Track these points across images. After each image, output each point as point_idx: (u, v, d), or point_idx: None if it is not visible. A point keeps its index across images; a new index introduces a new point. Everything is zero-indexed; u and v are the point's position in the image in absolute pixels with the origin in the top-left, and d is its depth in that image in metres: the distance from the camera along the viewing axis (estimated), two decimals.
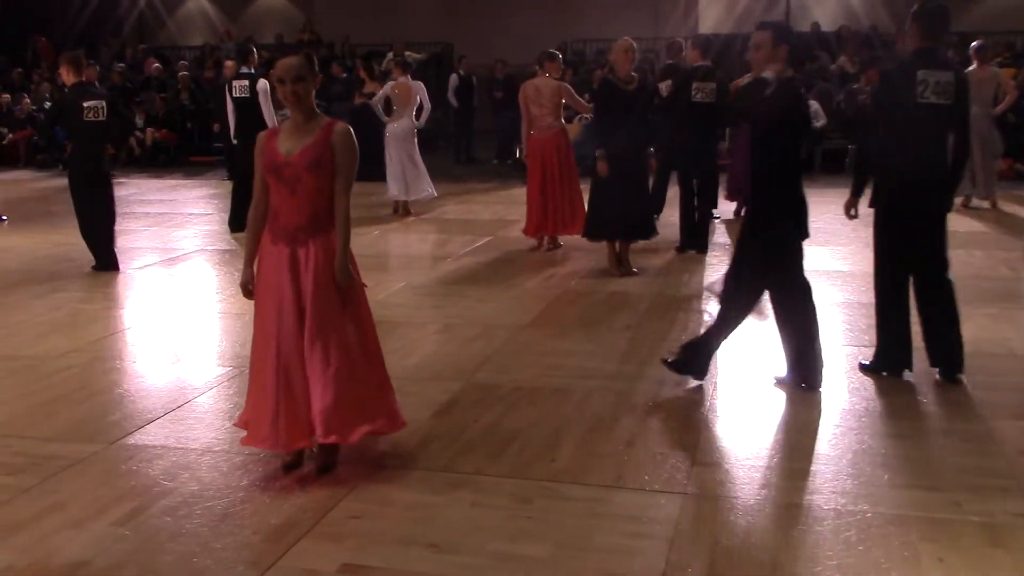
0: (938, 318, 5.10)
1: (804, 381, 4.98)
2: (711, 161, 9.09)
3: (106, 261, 8.31)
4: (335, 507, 3.72)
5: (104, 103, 8.08)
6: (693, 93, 8.47)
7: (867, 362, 5.27)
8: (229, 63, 15.26)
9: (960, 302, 6.74)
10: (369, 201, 11.43)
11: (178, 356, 5.84)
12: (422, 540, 3.45)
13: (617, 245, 7.91)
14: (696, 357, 5.06)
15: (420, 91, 11.18)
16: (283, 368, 3.91)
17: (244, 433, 4.09)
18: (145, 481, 3.98)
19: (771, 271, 4.96)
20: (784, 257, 4.95)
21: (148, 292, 7.65)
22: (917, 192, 4.95)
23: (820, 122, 14.79)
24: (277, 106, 9.71)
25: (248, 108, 9.99)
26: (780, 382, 5.05)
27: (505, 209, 11.25)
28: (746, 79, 4.89)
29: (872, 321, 5.35)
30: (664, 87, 8.90)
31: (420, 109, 11.20)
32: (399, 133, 11.13)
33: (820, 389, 4.93)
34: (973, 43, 11.47)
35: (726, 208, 10.87)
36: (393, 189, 11.23)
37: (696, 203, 8.81)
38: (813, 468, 4.04)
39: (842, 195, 5.38)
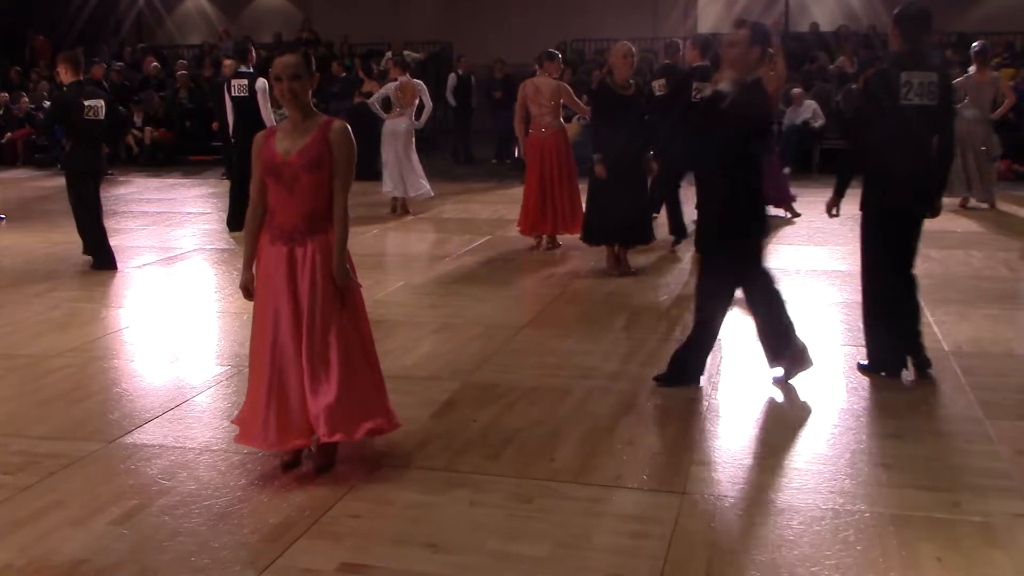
0: (912, 315, 5.18)
1: (795, 367, 5.02)
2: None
3: (105, 259, 8.31)
4: (334, 506, 3.72)
5: (103, 102, 8.11)
6: (693, 94, 8.46)
7: (865, 362, 5.27)
8: (228, 62, 15.25)
9: (960, 302, 6.79)
10: (367, 200, 11.42)
11: (176, 355, 5.84)
12: (421, 539, 3.45)
13: (616, 246, 7.91)
14: (687, 366, 5.05)
15: (422, 90, 11.19)
16: (277, 368, 3.91)
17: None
18: (143, 480, 3.98)
19: (742, 273, 4.99)
20: (754, 258, 5.00)
21: (146, 291, 7.65)
22: (903, 192, 4.99)
23: (819, 122, 14.84)
24: (276, 105, 9.70)
25: (247, 107, 9.99)
26: (778, 381, 5.05)
27: (504, 209, 11.24)
28: (721, 83, 4.83)
29: None
30: (657, 85, 8.90)
31: (420, 108, 11.19)
32: (399, 131, 11.12)
33: (812, 366, 5.04)
34: (974, 45, 11.47)
35: None
36: (388, 185, 11.22)
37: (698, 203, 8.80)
38: (811, 468, 4.04)
39: None
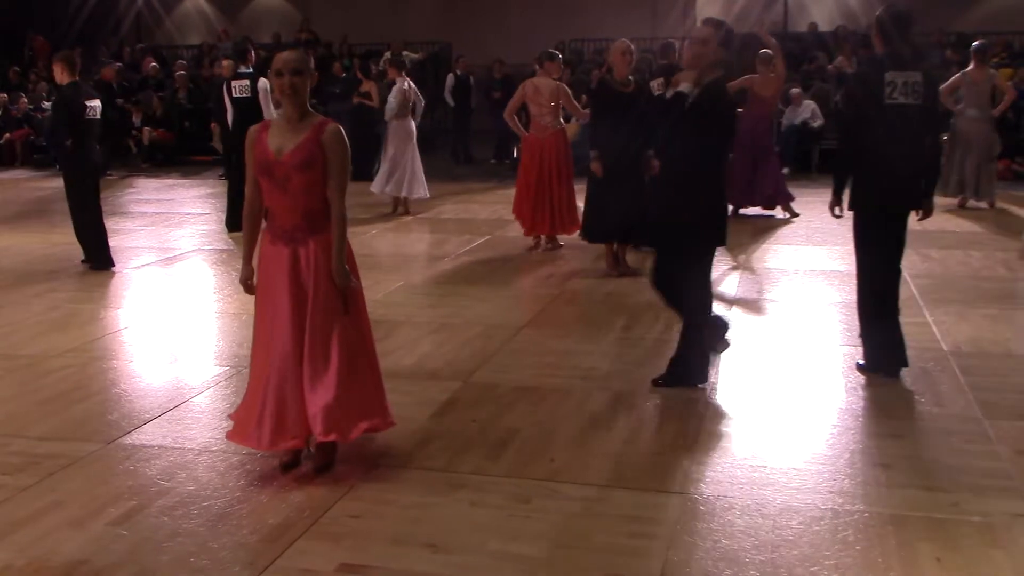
0: (891, 314, 5.26)
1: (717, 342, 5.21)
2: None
3: (103, 260, 8.32)
4: (333, 507, 3.71)
5: (99, 102, 8.19)
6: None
7: (863, 362, 5.27)
8: (226, 62, 15.24)
9: (959, 302, 6.79)
10: (365, 201, 11.42)
11: (175, 356, 5.83)
12: (420, 540, 3.45)
13: (615, 245, 7.91)
14: (677, 367, 5.04)
15: (414, 90, 11.32)
16: (276, 368, 3.92)
17: None
18: (142, 481, 3.98)
19: (706, 269, 5.05)
20: (709, 259, 5.03)
21: (145, 292, 7.64)
22: (891, 191, 5.05)
23: (817, 122, 14.84)
24: (278, 105, 9.69)
25: (248, 107, 9.92)
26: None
27: (503, 209, 11.23)
28: (682, 84, 4.81)
29: None
30: (656, 84, 8.90)
31: (415, 107, 11.26)
32: (411, 131, 11.24)
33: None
34: (974, 43, 11.48)
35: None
36: (388, 186, 11.22)
37: None
38: (811, 468, 4.04)
39: None
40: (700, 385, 5.02)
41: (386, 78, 12.65)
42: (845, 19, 19.41)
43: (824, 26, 19.49)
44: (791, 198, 10.71)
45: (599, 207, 7.71)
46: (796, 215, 10.62)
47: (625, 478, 3.96)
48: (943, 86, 11.33)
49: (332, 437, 3.91)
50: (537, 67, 8.89)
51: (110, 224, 9.04)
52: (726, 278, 7.76)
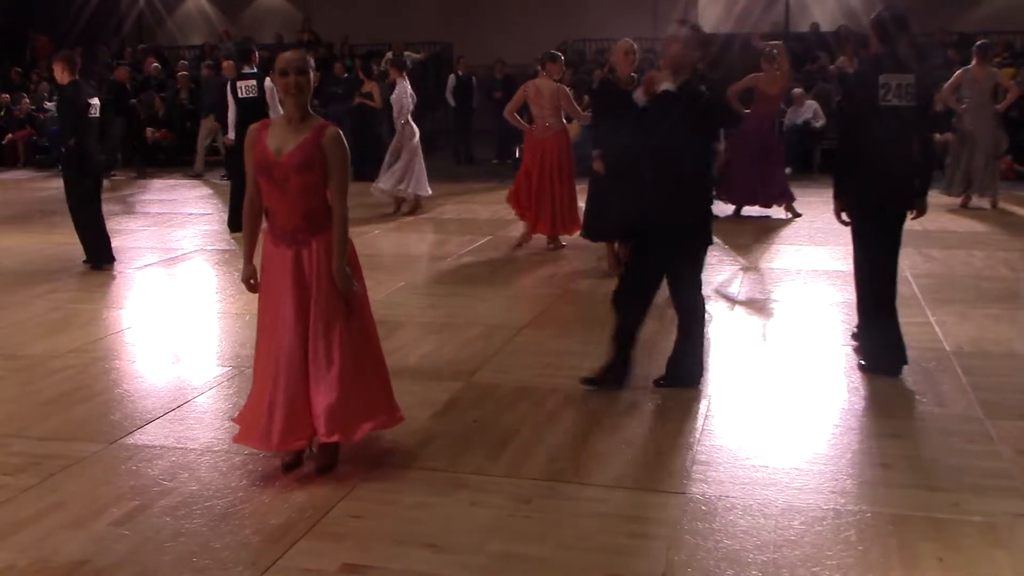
0: (890, 312, 5.29)
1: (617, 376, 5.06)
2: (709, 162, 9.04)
3: (104, 256, 8.34)
4: (335, 507, 3.72)
5: (99, 101, 8.27)
6: None
7: (864, 362, 5.28)
8: (227, 63, 15.24)
9: (961, 302, 6.79)
10: (367, 201, 11.42)
11: (178, 356, 5.84)
12: (422, 540, 3.45)
13: (616, 245, 7.91)
14: (681, 367, 5.05)
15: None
16: (282, 369, 3.92)
17: None
18: (145, 481, 3.98)
19: (700, 269, 5.07)
20: (703, 258, 5.06)
21: (148, 292, 7.65)
22: (885, 190, 5.10)
23: (819, 122, 14.84)
24: (283, 105, 9.69)
25: (254, 108, 9.87)
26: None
27: (505, 209, 11.20)
28: (663, 83, 4.76)
29: None
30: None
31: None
32: (415, 131, 11.30)
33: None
34: (977, 42, 11.47)
35: (723, 208, 10.88)
36: (394, 182, 11.25)
37: None
38: (813, 468, 4.04)
39: None
40: (698, 383, 5.03)
41: (388, 78, 12.66)
42: (847, 19, 19.39)
43: (826, 26, 19.48)
44: (793, 198, 10.70)
45: (601, 207, 7.71)
46: (798, 215, 10.62)
47: (626, 478, 3.96)
48: (945, 85, 11.35)
49: (336, 438, 3.92)
50: (539, 68, 8.89)
51: (112, 224, 9.07)
52: (729, 278, 7.76)
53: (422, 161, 11.37)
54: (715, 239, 9.27)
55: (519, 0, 21.24)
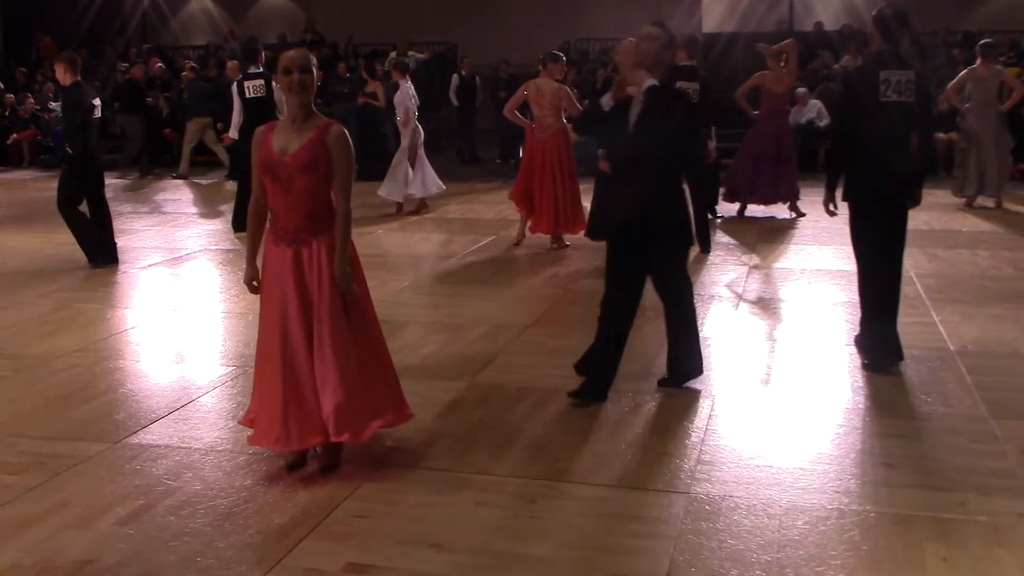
0: (891, 305, 5.33)
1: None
2: (699, 160, 8.97)
3: (108, 255, 8.36)
4: (339, 506, 3.72)
5: (100, 101, 8.32)
6: None
7: (868, 361, 5.29)
8: (231, 63, 15.25)
9: (965, 302, 6.78)
10: (371, 201, 11.43)
11: (182, 356, 5.85)
12: (426, 539, 3.45)
13: None
14: (684, 363, 5.05)
15: None
16: (289, 367, 3.92)
17: (249, 432, 4.10)
18: (149, 480, 3.98)
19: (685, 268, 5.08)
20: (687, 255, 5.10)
21: (152, 292, 7.66)
22: (886, 186, 5.15)
23: (823, 122, 14.81)
24: None
25: (262, 107, 9.84)
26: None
27: (508, 209, 11.22)
28: (647, 80, 4.69)
29: None
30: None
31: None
32: (422, 135, 11.30)
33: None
34: (981, 41, 11.45)
35: (728, 208, 10.88)
36: (421, 185, 11.31)
37: (692, 204, 8.81)
38: (817, 468, 4.03)
39: None
40: (701, 373, 5.06)
41: (391, 80, 12.66)
42: (851, 18, 19.37)
43: (830, 25, 19.45)
44: (797, 197, 10.69)
45: (605, 205, 7.71)
46: (802, 214, 10.61)
47: (630, 478, 3.96)
48: (950, 84, 11.33)
49: (346, 437, 3.92)
50: (540, 67, 8.89)
51: (117, 224, 9.08)
52: (733, 278, 7.76)
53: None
54: (719, 239, 9.36)
55: (522, 0, 21.23)
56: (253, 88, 10.02)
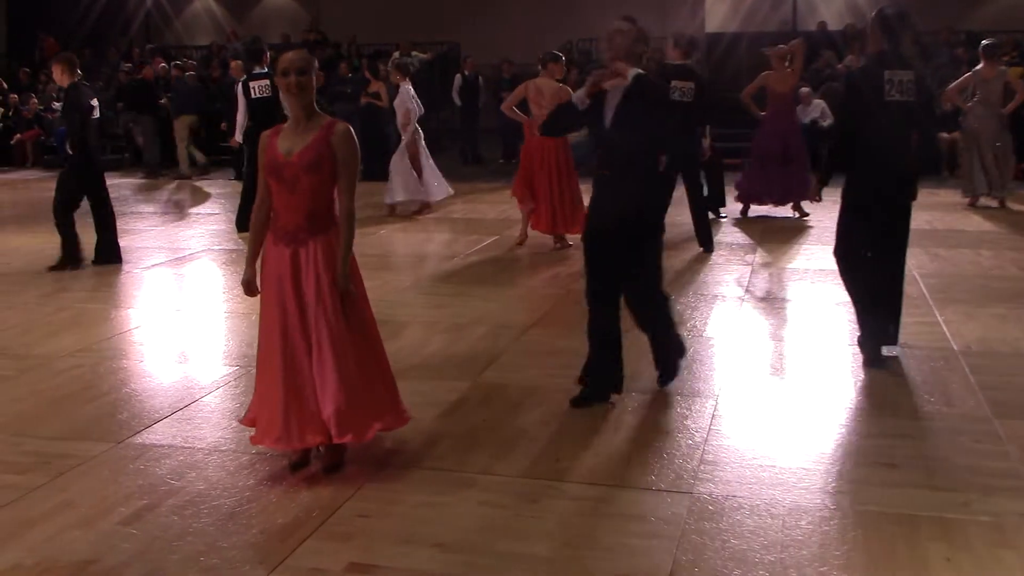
0: (893, 303, 5.41)
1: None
2: (694, 159, 8.95)
3: (114, 255, 8.37)
4: (342, 506, 3.72)
5: (97, 102, 8.29)
6: (671, 91, 8.45)
7: (867, 359, 5.35)
8: (235, 63, 15.25)
9: (969, 302, 6.77)
10: (375, 201, 11.43)
11: (185, 355, 5.85)
12: (429, 539, 3.45)
13: None
14: (672, 353, 5.03)
15: None
16: (290, 366, 3.92)
17: (251, 432, 4.11)
18: (152, 480, 3.99)
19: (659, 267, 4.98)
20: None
21: (155, 291, 7.67)
22: (888, 186, 5.19)
23: (827, 121, 14.79)
24: None
25: (268, 108, 9.82)
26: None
27: (511, 209, 11.22)
28: (608, 78, 4.59)
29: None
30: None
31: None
32: (422, 137, 11.32)
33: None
34: (983, 42, 11.43)
35: (732, 208, 10.88)
36: (444, 189, 11.34)
37: (690, 203, 8.82)
38: (820, 467, 4.03)
39: None
40: (687, 353, 5.08)
41: (392, 80, 12.67)
42: (854, 17, 19.34)
43: (833, 25, 19.43)
44: (802, 197, 10.68)
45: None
46: (806, 214, 10.60)
47: (633, 478, 3.96)
48: (952, 85, 11.31)
49: (347, 439, 3.92)
50: (540, 68, 8.89)
51: (121, 224, 9.08)
52: (736, 277, 7.75)
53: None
54: (722, 239, 9.35)
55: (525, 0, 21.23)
56: (259, 88, 10.00)
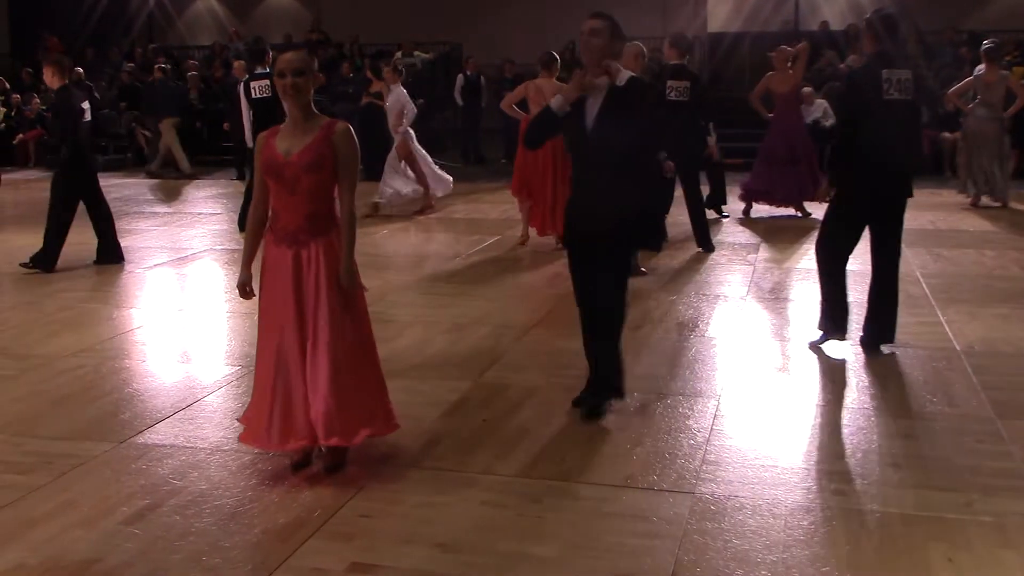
0: (890, 300, 5.56)
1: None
2: (691, 159, 8.91)
3: (115, 255, 8.37)
4: (344, 506, 3.72)
5: (88, 104, 8.28)
6: (667, 91, 8.46)
7: (863, 335, 5.60)
8: (238, 63, 15.25)
9: (971, 302, 6.76)
10: (376, 201, 11.43)
11: (187, 355, 5.85)
12: (431, 539, 3.46)
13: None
14: (603, 377, 4.72)
15: None
16: (281, 369, 3.93)
17: None
18: (155, 480, 3.99)
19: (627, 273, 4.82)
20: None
21: (157, 291, 7.68)
22: (887, 184, 5.34)
23: (829, 121, 14.77)
24: None
25: (269, 108, 9.82)
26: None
27: (513, 209, 11.22)
28: (590, 78, 4.47)
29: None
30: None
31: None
32: (413, 137, 11.32)
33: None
34: (984, 43, 11.42)
35: (734, 208, 10.87)
36: (443, 185, 11.36)
37: (687, 202, 8.82)
38: (822, 468, 4.03)
39: None
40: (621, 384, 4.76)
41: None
42: (856, 17, 19.31)
43: (835, 24, 19.41)
44: (805, 197, 10.68)
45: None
46: (808, 214, 10.60)
47: (635, 478, 3.96)
48: (953, 88, 11.31)
49: (333, 441, 3.92)
50: (541, 68, 8.89)
51: (122, 224, 9.10)
52: (738, 277, 7.75)
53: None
54: (724, 239, 9.34)
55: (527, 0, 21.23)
56: (259, 88, 10.00)
